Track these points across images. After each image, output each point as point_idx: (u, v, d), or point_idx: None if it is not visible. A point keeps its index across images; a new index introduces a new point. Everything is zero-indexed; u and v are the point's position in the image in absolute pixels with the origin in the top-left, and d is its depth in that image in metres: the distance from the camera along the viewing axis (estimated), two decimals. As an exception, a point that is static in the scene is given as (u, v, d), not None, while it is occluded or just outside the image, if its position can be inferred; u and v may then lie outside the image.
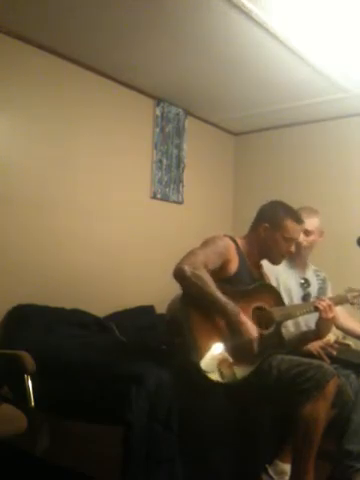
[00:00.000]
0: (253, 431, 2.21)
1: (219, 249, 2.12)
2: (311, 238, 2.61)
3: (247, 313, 2.11)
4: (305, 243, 2.59)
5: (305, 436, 2.01)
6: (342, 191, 3.70)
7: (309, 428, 1.99)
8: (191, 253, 2.03)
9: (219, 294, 1.98)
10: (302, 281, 2.62)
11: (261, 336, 2.10)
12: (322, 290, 2.69)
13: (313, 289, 2.65)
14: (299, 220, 2.28)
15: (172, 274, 1.98)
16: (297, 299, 2.54)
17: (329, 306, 2.24)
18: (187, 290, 2.03)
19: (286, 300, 2.47)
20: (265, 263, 2.46)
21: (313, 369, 2.02)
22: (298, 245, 2.58)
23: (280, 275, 2.54)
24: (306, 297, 2.57)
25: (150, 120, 3.57)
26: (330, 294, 2.71)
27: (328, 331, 2.39)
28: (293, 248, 2.29)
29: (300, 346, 2.39)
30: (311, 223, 2.59)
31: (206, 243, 2.13)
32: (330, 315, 2.23)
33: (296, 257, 2.62)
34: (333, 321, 2.34)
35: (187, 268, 1.95)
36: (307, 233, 2.59)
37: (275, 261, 2.32)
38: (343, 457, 2.14)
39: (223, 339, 2.03)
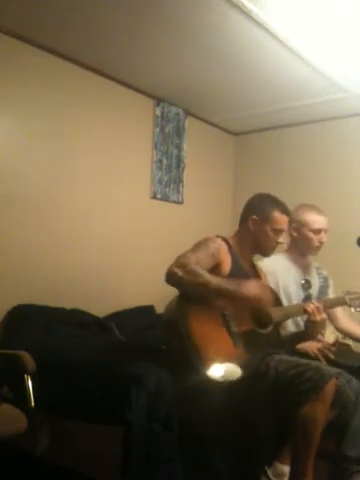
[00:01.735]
0: (252, 432, 2.21)
1: (210, 251, 2.11)
2: (325, 238, 2.56)
3: (245, 314, 2.11)
4: (317, 243, 2.54)
5: (304, 437, 2.00)
6: (342, 191, 3.70)
7: (308, 429, 1.99)
8: (181, 256, 2.02)
9: (216, 279, 2.00)
10: (303, 282, 2.58)
11: (260, 336, 2.10)
12: (323, 289, 2.66)
13: (314, 289, 2.62)
14: (287, 211, 2.28)
15: (165, 280, 1.98)
16: (297, 300, 2.51)
17: (317, 308, 2.23)
18: (183, 289, 2.03)
19: (285, 301, 2.46)
20: (265, 265, 2.45)
21: (311, 370, 2.02)
22: (309, 245, 2.55)
23: (279, 276, 2.51)
24: (307, 298, 2.53)
25: (150, 120, 3.57)
26: (331, 293, 2.69)
27: (316, 333, 2.38)
28: (282, 239, 2.28)
29: (290, 347, 2.38)
30: (325, 222, 2.55)
31: (197, 246, 2.12)
32: (318, 318, 2.22)
33: (298, 257, 2.60)
34: (322, 323, 2.33)
35: (177, 270, 1.95)
36: (325, 232, 2.55)
37: (265, 253, 2.32)
38: (341, 461, 2.13)
39: (224, 337, 2.03)
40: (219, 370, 1.93)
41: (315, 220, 2.53)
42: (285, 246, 2.60)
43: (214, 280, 1.99)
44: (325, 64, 2.92)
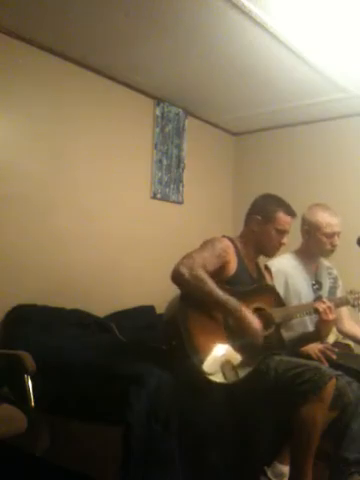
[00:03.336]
0: (252, 432, 2.21)
1: (217, 251, 2.11)
2: (338, 240, 2.49)
3: None
4: (329, 246, 2.48)
5: (303, 437, 2.01)
6: (342, 191, 3.70)
7: (307, 430, 1.99)
8: (188, 256, 2.03)
9: (219, 292, 1.98)
10: (313, 282, 2.54)
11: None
12: (333, 290, 2.63)
13: (325, 291, 2.58)
14: (291, 212, 2.27)
15: (170, 278, 1.98)
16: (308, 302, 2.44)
17: (329, 308, 2.21)
18: (187, 292, 2.03)
19: (296, 303, 2.43)
20: (274, 265, 2.44)
21: (311, 371, 2.02)
22: (321, 248, 2.50)
23: (289, 278, 2.48)
24: (318, 300, 2.45)
25: (150, 120, 3.57)
26: (340, 294, 2.64)
27: (328, 333, 2.36)
28: (285, 240, 2.26)
29: (299, 347, 2.38)
30: (338, 224, 2.48)
31: (204, 245, 2.13)
32: (330, 317, 2.21)
33: (309, 259, 2.57)
34: (333, 323, 2.31)
35: (185, 270, 1.96)
36: (338, 234, 2.48)
37: (269, 254, 2.32)
38: (339, 463, 2.12)
39: (223, 339, 2.03)
40: (221, 350, 1.94)
41: (328, 223, 2.46)
42: (298, 246, 2.58)
43: (217, 293, 1.98)
44: (325, 64, 2.92)
